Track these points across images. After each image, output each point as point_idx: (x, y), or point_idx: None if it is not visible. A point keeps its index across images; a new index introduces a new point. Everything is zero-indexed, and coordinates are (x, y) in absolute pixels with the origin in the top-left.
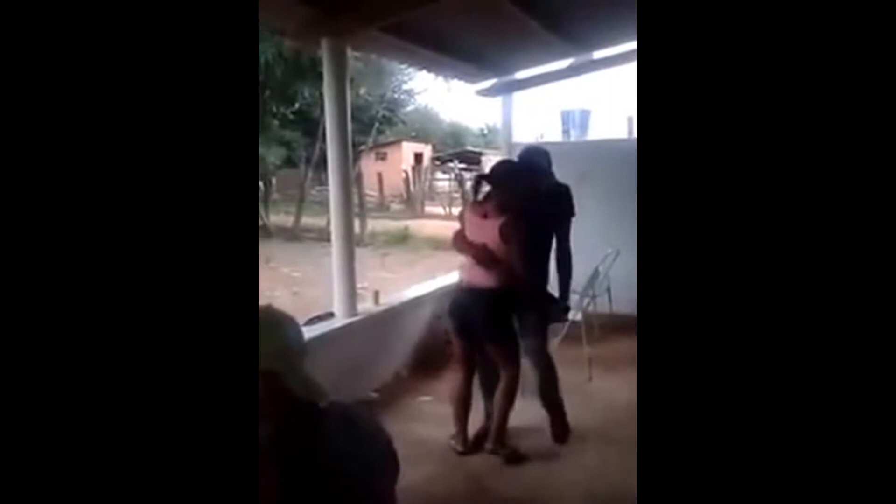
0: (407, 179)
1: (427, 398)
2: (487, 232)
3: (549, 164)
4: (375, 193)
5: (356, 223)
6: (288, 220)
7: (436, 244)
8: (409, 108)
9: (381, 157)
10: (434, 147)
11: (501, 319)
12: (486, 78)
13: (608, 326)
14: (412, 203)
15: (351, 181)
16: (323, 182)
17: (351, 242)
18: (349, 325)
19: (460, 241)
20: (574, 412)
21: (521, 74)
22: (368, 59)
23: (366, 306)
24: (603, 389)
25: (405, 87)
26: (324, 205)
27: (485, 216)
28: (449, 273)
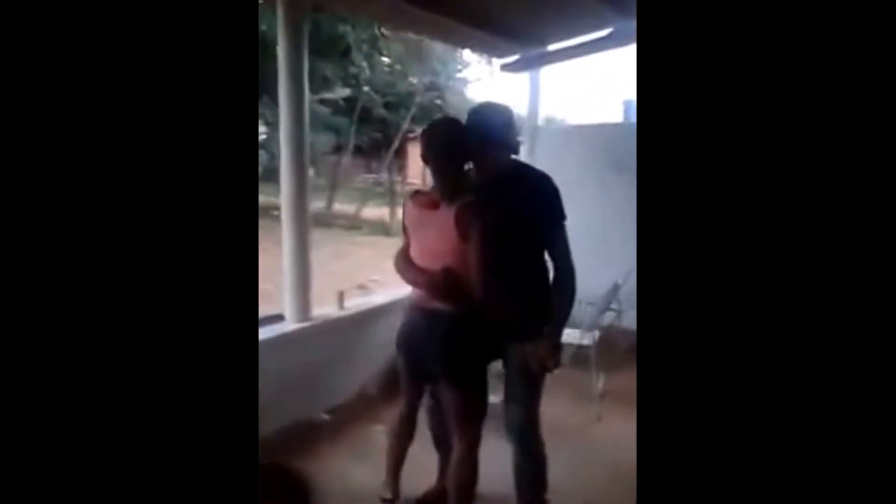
0: None
1: (381, 427)
2: (439, 227)
3: (510, 124)
4: (419, 182)
5: (387, 212)
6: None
7: None
8: (468, 97)
9: None
10: None
11: (467, 356)
12: (514, 52)
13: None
14: None
15: (306, 159)
16: (372, 169)
17: (305, 231)
18: (300, 330)
19: (403, 264)
20: (569, 472)
21: (553, 46)
22: (409, 41)
23: (326, 311)
24: (614, 436)
25: (459, 75)
26: (364, 192)
27: (433, 205)
28: None
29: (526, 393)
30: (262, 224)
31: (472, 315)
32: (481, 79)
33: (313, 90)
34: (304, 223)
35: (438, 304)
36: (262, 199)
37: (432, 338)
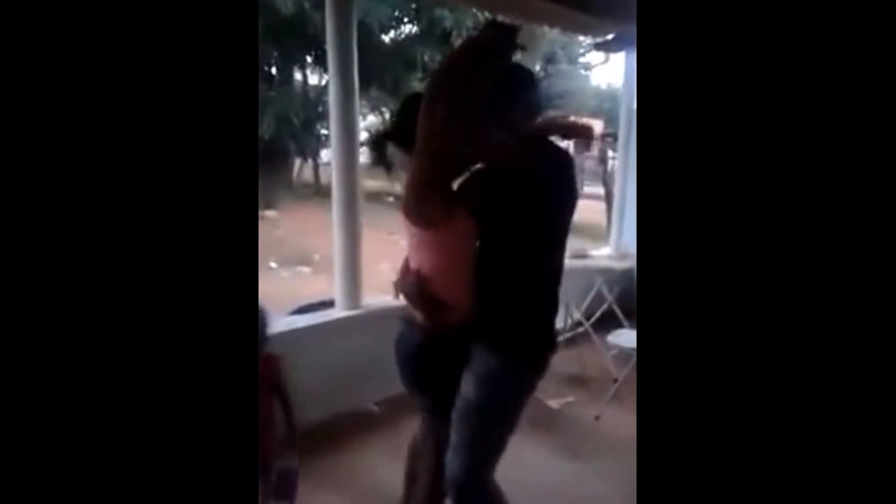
0: None
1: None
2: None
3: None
4: None
5: None
6: None
7: (574, 226)
8: (592, 83)
9: None
10: (608, 123)
11: (421, 371)
12: (609, 30)
13: None
14: None
15: (356, 144)
16: None
17: (355, 215)
18: (350, 318)
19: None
20: None
21: None
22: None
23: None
24: (605, 444)
25: (582, 59)
26: None
27: None
28: None
29: (474, 435)
30: (377, 209)
31: (443, 328)
32: (606, 61)
33: (422, 77)
34: (354, 208)
35: (415, 316)
36: (377, 184)
37: (403, 350)
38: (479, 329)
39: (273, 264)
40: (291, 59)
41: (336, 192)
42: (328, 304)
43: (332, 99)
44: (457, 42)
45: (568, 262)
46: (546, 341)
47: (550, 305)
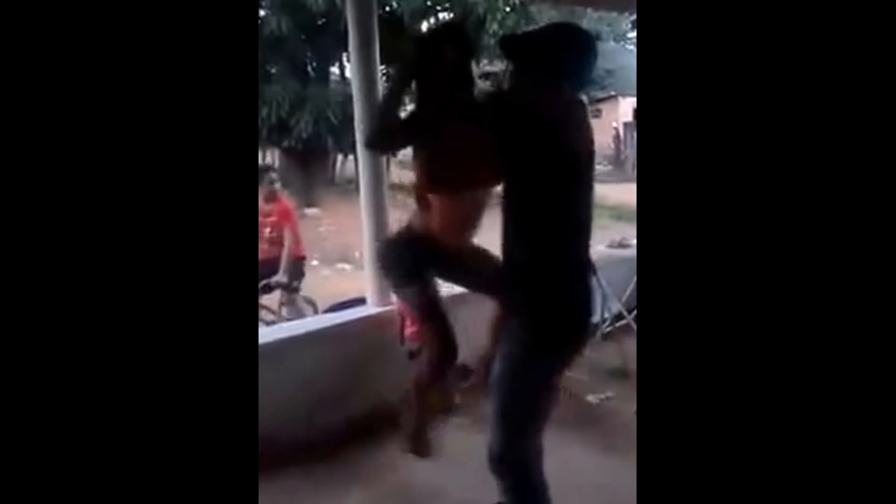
0: (616, 137)
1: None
2: None
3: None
4: None
5: None
6: None
7: (619, 213)
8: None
9: (596, 115)
10: None
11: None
12: None
13: None
14: (621, 165)
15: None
16: None
17: (383, 213)
18: (381, 315)
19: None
20: None
21: None
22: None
23: None
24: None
25: (631, 34)
26: None
27: None
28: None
29: (501, 407)
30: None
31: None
32: None
33: None
34: (382, 204)
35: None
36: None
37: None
38: (511, 303)
39: (314, 262)
40: (327, 56)
41: (363, 188)
42: (360, 301)
43: (356, 94)
44: (492, 27)
45: (609, 251)
46: (576, 325)
47: (580, 286)
